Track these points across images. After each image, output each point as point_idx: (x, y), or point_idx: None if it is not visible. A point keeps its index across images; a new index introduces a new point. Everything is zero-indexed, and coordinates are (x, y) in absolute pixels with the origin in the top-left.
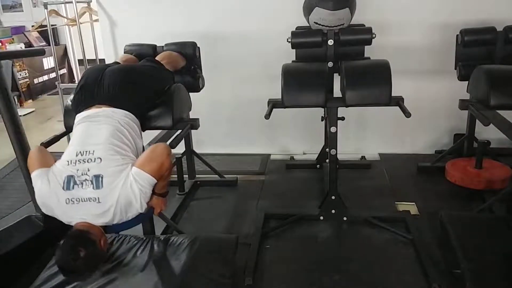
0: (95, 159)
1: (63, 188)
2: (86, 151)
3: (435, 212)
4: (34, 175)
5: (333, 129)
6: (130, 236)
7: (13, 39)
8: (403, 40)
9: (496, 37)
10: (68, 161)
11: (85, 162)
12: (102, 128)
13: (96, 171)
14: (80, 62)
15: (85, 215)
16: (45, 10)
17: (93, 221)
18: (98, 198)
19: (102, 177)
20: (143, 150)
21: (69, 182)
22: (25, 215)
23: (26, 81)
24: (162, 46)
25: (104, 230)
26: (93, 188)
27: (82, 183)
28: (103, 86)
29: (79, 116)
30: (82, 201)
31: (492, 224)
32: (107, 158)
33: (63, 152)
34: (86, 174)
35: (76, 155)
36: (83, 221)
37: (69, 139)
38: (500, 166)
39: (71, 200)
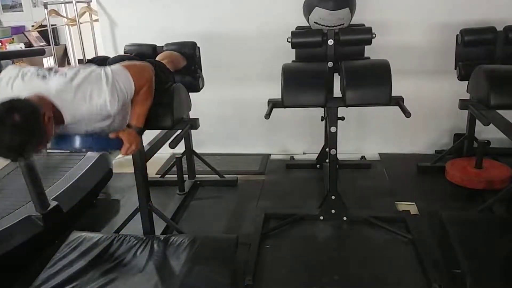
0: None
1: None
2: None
3: (435, 212)
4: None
5: (333, 129)
6: (130, 236)
7: (13, 39)
8: (403, 40)
9: (496, 37)
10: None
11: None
12: None
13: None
14: (80, 62)
15: (43, 88)
16: (45, 10)
17: (52, 96)
18: (66, 73)
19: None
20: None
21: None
22: (25, 215)
23: None
24: (162, 46)
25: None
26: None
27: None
28: None
29: None
30: (47, 76)
31: (492, 224)
32: None
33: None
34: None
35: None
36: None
37: None
38: (500, 166)
39: (38, 74)
